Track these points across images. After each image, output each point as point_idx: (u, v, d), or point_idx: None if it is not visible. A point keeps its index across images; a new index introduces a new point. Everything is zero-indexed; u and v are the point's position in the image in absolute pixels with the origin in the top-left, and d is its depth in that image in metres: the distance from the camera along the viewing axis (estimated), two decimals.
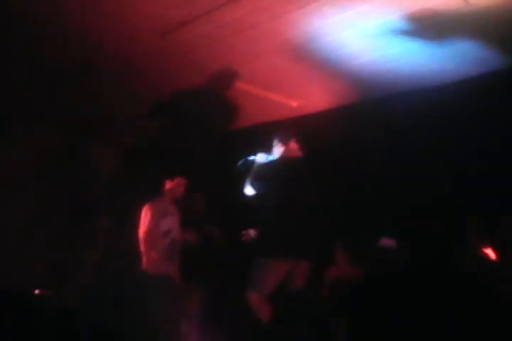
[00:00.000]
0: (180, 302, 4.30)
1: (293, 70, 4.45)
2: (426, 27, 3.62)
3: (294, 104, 5.17)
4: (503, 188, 3.81)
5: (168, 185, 4.54)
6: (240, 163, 4.00)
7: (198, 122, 5.52)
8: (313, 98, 4.99)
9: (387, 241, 4.34)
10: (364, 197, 4.57)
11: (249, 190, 3.89)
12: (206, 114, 5.35)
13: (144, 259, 4.23)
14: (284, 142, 3.92)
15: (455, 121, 4.12)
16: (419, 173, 4.31)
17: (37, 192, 5.37)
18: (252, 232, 3.95)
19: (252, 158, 3.99)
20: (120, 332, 3.50)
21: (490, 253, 3.40)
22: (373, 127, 4.61)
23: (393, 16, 3.53)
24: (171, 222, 4.41)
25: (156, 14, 3.62)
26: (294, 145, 3.92)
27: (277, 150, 3.93)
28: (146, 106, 5.24)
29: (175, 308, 4.18)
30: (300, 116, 5.30)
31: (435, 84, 4.32)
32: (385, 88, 4.55)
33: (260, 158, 3.94)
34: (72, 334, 2.86)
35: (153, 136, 5.91)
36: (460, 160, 4.11)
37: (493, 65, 4.00)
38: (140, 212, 4.42)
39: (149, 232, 4.26)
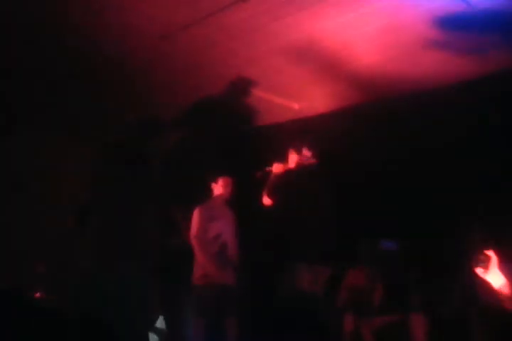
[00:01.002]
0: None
1: (295, 72, 4.45)
2: (428, 29, 3.62)
3: (296, 106, 5.17)
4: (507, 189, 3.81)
5: (215, 187, 4.40)
6: (257, 174, 4.07)
7: (200, 125, 5.52)
8: (316, 100, 4.99)
9: (387, 243, 4.34)
10: (365, 199, 4.56)
11: (266, 200, 3.95)
12: (207, 117, 5.36)
13: (199, 269, 4.14)
14: (297, 150, 3.98)
15: (456, 123, 4.11)
16: (422, 175, 4.31)
17: (41, 192, 5.37)
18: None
19: (268, 168, 4.06)
20: (121, 332, 3.49)
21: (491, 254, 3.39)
22: (376, 129, 4.60)
23: (395, 18, 3.53)
24: (221, 225, 4.26)
25: (157, 17, 3.63)
26: (306, 152, 3.99)
27: (291, 159, 4.00)
28: (146, 109, 5.25)
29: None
30: (302, 118, 5.30)
31: (438, 86, 4.32)
32: (388, 90, 4.55)
33: (276, 168, 4.01)
34: (71, 335, 2.87)
35: (152, 138, 5.90)
36: (463, 160, 4.11)
37: (495, 66, 3.99)
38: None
39: (197, 238, 4.15)
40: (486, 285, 3.42)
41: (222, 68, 4.44)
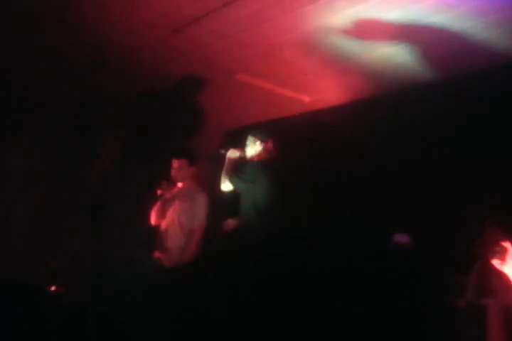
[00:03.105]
0: None
1: (305, 65, 4.43)
2: (441, 19, 3.57)
3: (307, 99, 5.15)
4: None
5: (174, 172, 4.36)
6: (211, 155, 4.19)
7: (210, 118, 5.51)
8: (326, 93, 4.96)
9: (401, 237, 4.32)
10: (375, 193, 4.54)
11: (226, 186, 4.01)
12: (218, 110, 5.35)
13: None
14: (263, 141, 4.06)
15: (468, 115, 4.07)
16: (432, 168, 4.28)
17: (49, 189, 5.39)
18: (231, 222, 4.06)
19: (222, 152, 4.14)
20: (130, 328, 3.51)
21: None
22: (387, 122, 4.57)
23: (407, 9, 3.50)
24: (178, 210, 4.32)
25: (168, 10, 3.63)
26: (270, 145, 4.07)
27: (253, 149, 4.08)
28: (157, 102, 5.25)
29: None
30: (312, 111, 5.27)
31: (450, 77, 4.27)
32: (400, 82, 4.51)
33: (232, 153, 4.10)
34: (83, 331, 2.89)
35: (163, 131, 5.90)
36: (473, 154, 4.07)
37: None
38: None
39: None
40: (501, 277, 3.40)
41: (232, 61, 4.43)
